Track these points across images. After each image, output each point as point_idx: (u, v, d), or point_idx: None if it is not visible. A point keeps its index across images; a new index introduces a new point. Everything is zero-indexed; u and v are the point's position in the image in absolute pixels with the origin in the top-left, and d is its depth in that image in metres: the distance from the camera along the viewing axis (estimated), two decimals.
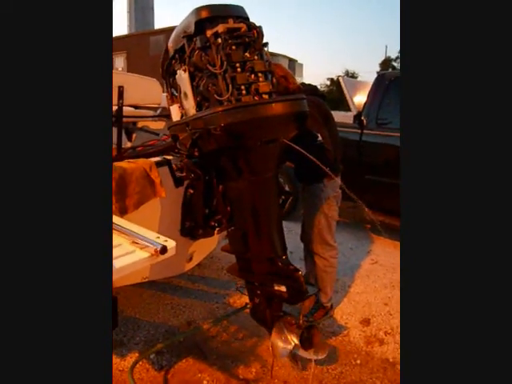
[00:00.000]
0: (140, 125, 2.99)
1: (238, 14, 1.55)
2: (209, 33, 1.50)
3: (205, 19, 1.51)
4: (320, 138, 2.24)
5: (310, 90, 2.53)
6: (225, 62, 1.46)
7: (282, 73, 2.29)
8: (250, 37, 1.53)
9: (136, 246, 1.27)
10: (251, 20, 1.59)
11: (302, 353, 1.71)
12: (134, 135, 3.00)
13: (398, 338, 2.45)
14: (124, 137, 2.74)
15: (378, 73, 4.43)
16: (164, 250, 1.23)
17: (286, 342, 1.70)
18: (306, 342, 1.70)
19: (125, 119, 2.30)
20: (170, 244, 1.28)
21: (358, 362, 2.23)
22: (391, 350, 2.34)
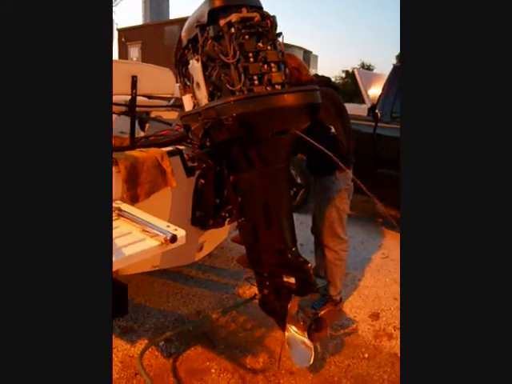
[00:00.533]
0: (153, 115, 3.00)
1: (252, 3, 1.53)
2: (222, 22, 1.49)
3: (218, 8, 1.50)
4: (333, 130, 2.23)
5: (323, 81, 2.51)
6: (237, 52, 1.45)
7: (294, 64, 2.28)
8: (263, 27, 1.51)
9: (146, 235, 1.29)
10: (265, 10, 1.58)
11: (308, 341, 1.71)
12: (147, 125, 3.02)
13: None
14: (137, 126, 2.76)
15: (394, 65, 4.35)
16: (174, 238, 1.24)
17: (304, 346, 1.70)
18: (314, 334, 1.71)
19: (138, 109, 2.32)
20: (180, 233, 1.29)
21: (366, 355, 2.23)
22: (399, 344, 2.33)
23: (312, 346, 1.68)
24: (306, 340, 1.69)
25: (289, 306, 1.73)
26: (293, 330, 1.73)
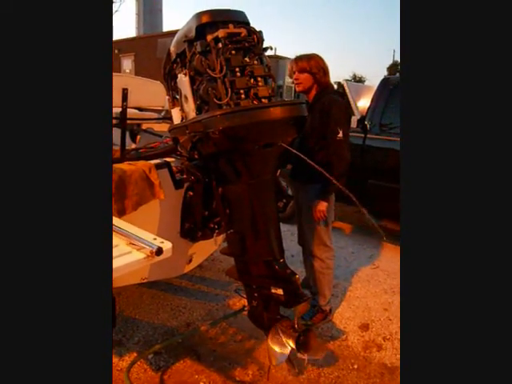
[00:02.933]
0: (144, 127, 3.02)
1: (239, 19, 1.57)
2: (209, 37, 1.52)
3: (205, 24, 1.54)
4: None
5: (337, 90, 2.61)
6: (224, 67, 1.48)
7: (323, 65, 2.38)
8: (249, 41, 1.55)
9: (133, 247, 1.29)
10: (253, 25, 1.61)
11: (299, 355, 1.71)
12: (138, 137, 3.03)
13: (396, 343, 2.45)
14: (128, 138, 2.77)
15: (384, 77, 4.42)
16: (160, 251, 1.25)
17: (283, 346, 1.71)
18: (303, 346, 1.71)
19: (129, 121, 2.33)
20: (166, 245, 1.29)
21: (356, 366, 2.23)
22: (389, 355, 2.34)
23: (290, 348, 1.68)
24: (290, 343, 1.69)
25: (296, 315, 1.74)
26: (280, 331, 1.73)
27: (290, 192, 4.38)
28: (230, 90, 1.48)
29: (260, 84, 1.54)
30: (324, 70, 2.38)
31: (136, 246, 1.29)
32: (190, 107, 1.63)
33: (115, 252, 1.25)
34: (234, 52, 1.51)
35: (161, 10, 24.72)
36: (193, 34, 1.55)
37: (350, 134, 4.02)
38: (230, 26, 1.53)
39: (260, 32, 1.60)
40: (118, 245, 1.30)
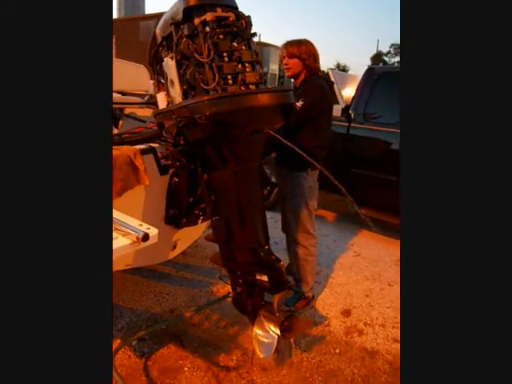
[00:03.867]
0: (127, 111, 2.96)
1: (227, 2, 1.54)
2: (197, 21, 1.49)
3: (193, 7, 1.50)
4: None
5: (324, 77, 2.63)
6: (212, 51, 1.45)
7: (313, 51, 2.39)
8: (238, 26, 1.52)
9: (118, 233, 1.27)
10: (240, 10, 1.59)
11: (284, 339, 1.73)
12: (120, 122, 2.98)
13: (377, 328, 2.51)
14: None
15: (368, 66, 4.44)
16: (146, 237, 1.24)
17: (269, 336, 1.72)
18: (287, 331, 1.73)
19: (112, 106, 2.28)
20: (153, 232, 1.28)
21: (337, 351, 2.27)
22: (370, 340, 2.39)
23: (276, 337, 1.70)
24: (275, 331, 1.71)
25: (274, 300, 1.75)
26: (263, 318, 1.75)
27: (274, 179, 4.41)
28: (217, 75, 1.46)
29: (248, 70, 1.52)
30: (314, 57, 2.39)
31: (121, 232, 1.27)
32: (176, 92, 1.60)
33: None
34: (221, 36, 1.48)
35: None
36: (180, 16, 1.51)
37: (335, 122, 4.09)
38: (218, 9, 1.50)
39: (248, 17, 1.57)
40: None
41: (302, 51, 2.35)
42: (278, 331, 1.70)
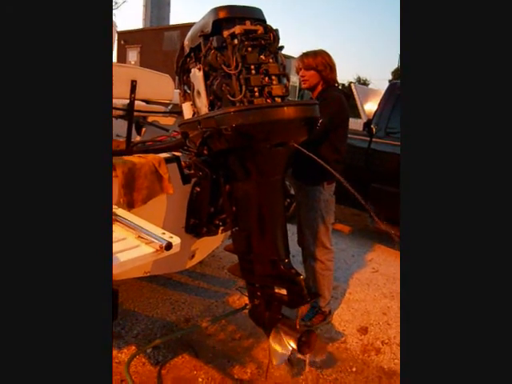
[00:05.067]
0: (150, 120, 3.00)
1: (256, 16, 1.56)
2: (226, 33, 1.51)
3: (222, 19, 1.52)
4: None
5: (342, 88, 2.58)
6: (240, 63, 1.46)
7: (330, 62, 2.37)
8: (266, 39, 1.53)
9: (141, 241, 1.28)
10: (268, 23, 1.60)
11: (299, 355, 1.71)
12: (143, 129, 3.02)
13: (394, 348, 2.45)
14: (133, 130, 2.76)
15: (390, 81, 4.42)
16: (169, 246, 1.24)
17: (284, 347, 1.71)
18: (304, 347, 1.71)
19: (136, 113, 2.32)
20: (176, 241, 1.29)
21: (354, 369, 2.23)
22: (387, 359, 2.34)
23: (290, 348, 1.68)
24: (291, 344, 1.68)
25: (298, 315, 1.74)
26: (281, 331, 1.73)
27: (292, 192, 4.40)
28: (244, 87, 1.47)
29: (274, 82, 1.53)
30: (331, 67, 2.37)
31: (145, 240, 1.28)
32: (203, 102, 1.61)
33: (124, 245, 1.25)
34: (250, 49, 1.50)
35: (168, 4, 24.67)
36: (209, 28, 1.53)
37: (356, 136, 4.07)
38: (247, 22, 1.52)
39: (276, 30, 1.58)
40: (127, 238, 1.30)
41: (318, 62, 2.34)
42: (295, 346, 1.68)
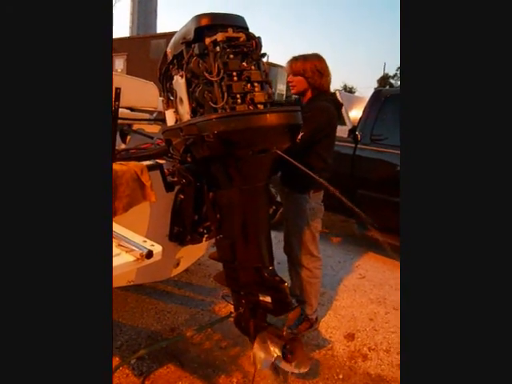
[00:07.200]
0: (135, 127, 2.98)
1: (238, 23, 1.56)
2: (208, 40, 1.51)
3: (204, 27, 1.52)
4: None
5: (331, 96, 2.53)
6: (222, 70, 1.46)
7: (320, 67, 2.31)
8: (248, 47, 1.54)
9: (122, 249, 1.27)
10: (251, 30, 1.60)
11: (283, 365, 1.70)
12: (128, 137, 3.00)
13: (381, 354, 2.45)
14: (118, 138, 2.74)
15: (375, 89, 4.47)
16: (150, 254, 1.22)
17: (268, 353, 1.69)
18: (289, 354, 1.69)
19: (120, 121, 2.30)
20: (157, 249, 1.27)
21: (341, 376, 2.22)
22: (374, 365, 2.34)
23: (275, 355, 1.66)
24: (276, 351, 1.67)
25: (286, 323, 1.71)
26: (266, 338, 1.71)
27: (279, 199, 4.40)
28: (226, 94, 1.47)
29: (257, 89, 1.53)
30: (320, 72, 2.31)
31: (125, 248, 1.26)
32: (185, 109, 1.61)
33: None
34: (231, 56, 1.50)
35: (155, 11, 24.69)
36: (191, 35, 1.53)
37: (342, 143, 4.10)
38: (229, 30, 1.52)
39: (259, 38, 1.59)
40: None
41: (306, 68, 2.30)
42: (279, 353, 1.67)
